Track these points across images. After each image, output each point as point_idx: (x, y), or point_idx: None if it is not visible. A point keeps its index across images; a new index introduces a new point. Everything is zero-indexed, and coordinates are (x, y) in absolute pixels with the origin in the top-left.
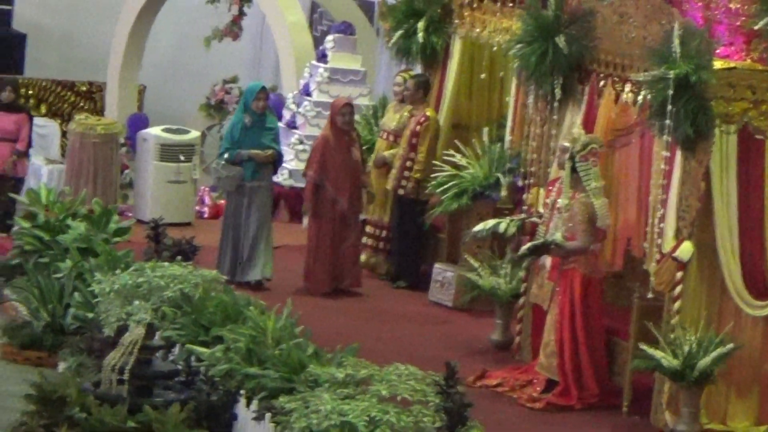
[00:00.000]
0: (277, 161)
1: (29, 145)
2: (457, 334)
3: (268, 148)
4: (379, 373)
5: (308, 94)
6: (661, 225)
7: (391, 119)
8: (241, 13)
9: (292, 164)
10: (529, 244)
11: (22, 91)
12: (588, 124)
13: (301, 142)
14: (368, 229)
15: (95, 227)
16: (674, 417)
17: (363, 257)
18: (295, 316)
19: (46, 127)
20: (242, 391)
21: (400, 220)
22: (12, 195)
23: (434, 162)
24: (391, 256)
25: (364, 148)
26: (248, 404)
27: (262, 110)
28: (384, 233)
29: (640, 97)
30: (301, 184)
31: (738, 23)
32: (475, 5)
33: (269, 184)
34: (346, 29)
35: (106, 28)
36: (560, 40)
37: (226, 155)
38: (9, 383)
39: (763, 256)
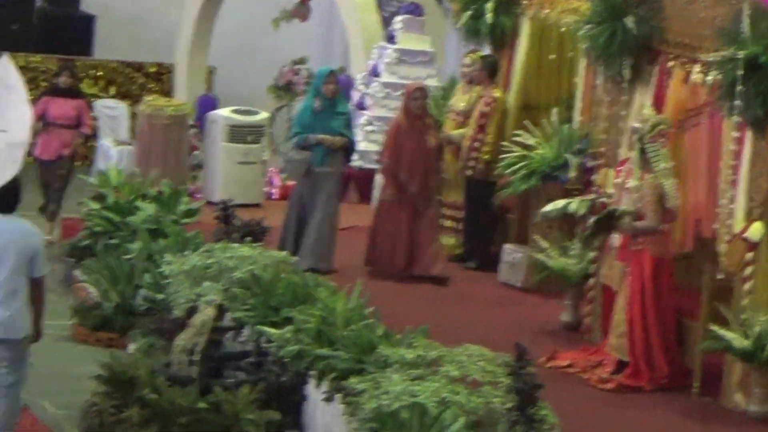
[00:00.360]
0: (349, 148)
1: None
2: (526, 315)
3: (338, 133)
4: (449, 353)
5: (377, 75)
6: (731, 206)
7: (459, 100)
8: None
9: (362, 145)
10: (594, 217)
11: (91, 72)
12: (657, 105)
13: (370, 123)
14: (446, 211)
15: (165, 208)
16: (745, 398)
17: (443, 239)
18: (364, 297)
19: (115, 109)
20: (312, 372)
21: (469, 201)
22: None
23: (503, 143)
24: (462, 237)
25: None
26: (318, 385)
27: (332, 94)
28: (462, 214)
29: (709, 78)
30: (370, 165)
31: None
32: None
33: (339, 170)
34: (415, 10)
35: (174, 9)
36: (629, 21)
37: (295, 140)
38: (80, 364)
39: None
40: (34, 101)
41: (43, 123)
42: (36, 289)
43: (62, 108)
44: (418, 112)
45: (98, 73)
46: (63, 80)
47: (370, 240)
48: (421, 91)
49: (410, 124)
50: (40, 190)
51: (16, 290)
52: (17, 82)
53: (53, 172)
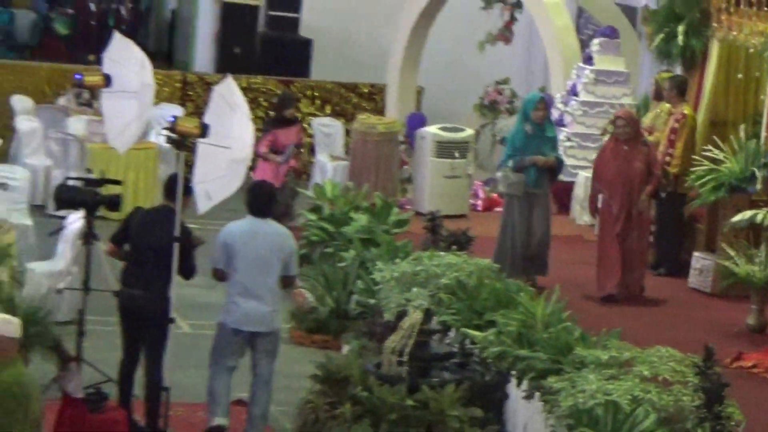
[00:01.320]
0: (557, 168)
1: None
2: (714, 318)
3: (548, 155)
4: (641, 355)
5: (575, 94)
6: None
7: (646, 116)
8: (513, 19)
9: None
10: None
11: (308, 92)
12: None
13: (569, 139)
14: None
15: (377, 219)
16: None
17: None
18: (562, 302)
19: (330, 127)
20: (513, 372)
21: (660, 211)
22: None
23: (693, 157)
24: (653, 245)
25: None
26: (519, 384)
27: (541, 120)
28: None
29: None
30: (569, 179)
31: None
32: (732, 9)
33: (548, 191)
34: (611, 33)
35: (386, 33)
36: None
37: (510, 162)
38: (297, 365)
39: None
40: (261, 131)
41: (271, 151)
42: (288, 286)
43: (287, 136)
44: (622, 137)
45: (315, 94)
46: (290, 113)
47: (600, 269)
48: (624, 119)
49: (615, 148)
50: None
51: (275, 288)
52: (240, 101)
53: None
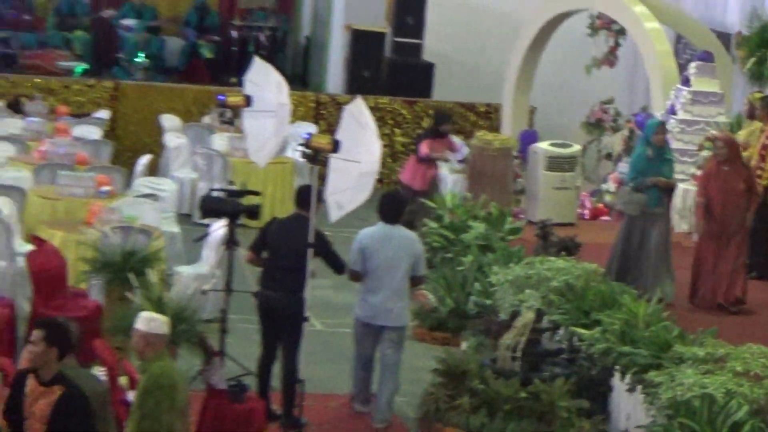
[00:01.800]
0: (674, 189)
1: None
2: None
3: (667, 177)
4: (734, 351)
5: (674, 113)
6: None
7: (740, 133)
8: (617, 44)
9: None
10: None
11: (430, 112)
12: None
13: None
14: None
15: (492, 227)
16: None
17: None
18: (662, 302)
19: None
20: (617, 367)
21: (753, 220)
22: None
23: None
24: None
25: None
26: (622, 378)
27: (661, 143)
28: None
29: None
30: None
31: None
32: None
33: (668, 212)
34: (707, 57)
35: (501, 58)
36: None
37: (631, 183)
38: (420, 359)
39: None
40: (416, 141)
41: (418, 159)
42: (417, 285)
43: (437, 147)
44: (721, 158)
45: None
46: (446, 128)
47: (693, 276)
48: (722, 141)
49: (717, 168)
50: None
51: (402, 287)
52: (369, 120)
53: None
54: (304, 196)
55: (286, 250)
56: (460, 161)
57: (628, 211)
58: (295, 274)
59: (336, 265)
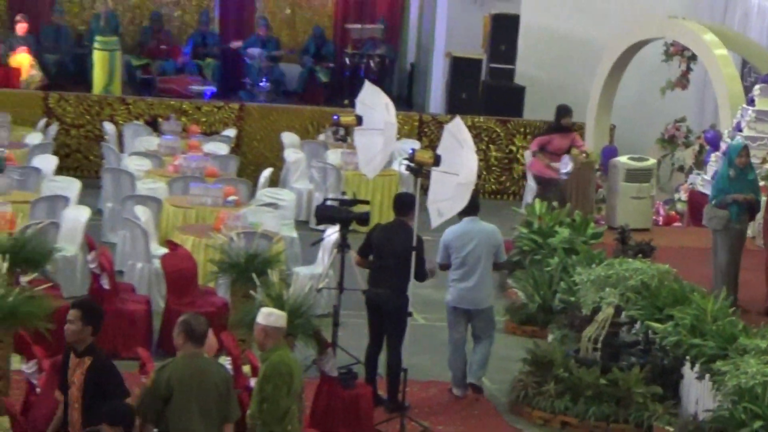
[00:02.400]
0: (755, 207)
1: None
2: None
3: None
4: None
5: (740, 130)
6: None
7: None
8: (689, 69)
9: None
10: None
11: (521, 129)
12: None
13: None
14: None
15: (576, 232)
16: None
17: None
18: (728, 299)
19: None
20: (687, 357)
21: None
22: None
23: None
24: None
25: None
26: (692, 367)
27: (743, 165)
28: None
29: None
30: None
31: None
32: None
33: (747, 225)
34: None
35: (585, 80)
36: None
37: (713, 201)
38: (511, 350)
39: None
40: (539, 136)
41: (543, 152)
42: (499, 269)
43: (562, 142)
44: None
45: (527, 131)
46: (566, 121)
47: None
48: None
49: None
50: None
51: (485, 274)
52: (467, 137)
53: (551, 187)
54: (399, 204)
55: (389, 252)
56: (565, 173)
57: (711, 225)
58: (398, 274)
59: (419, 272)
